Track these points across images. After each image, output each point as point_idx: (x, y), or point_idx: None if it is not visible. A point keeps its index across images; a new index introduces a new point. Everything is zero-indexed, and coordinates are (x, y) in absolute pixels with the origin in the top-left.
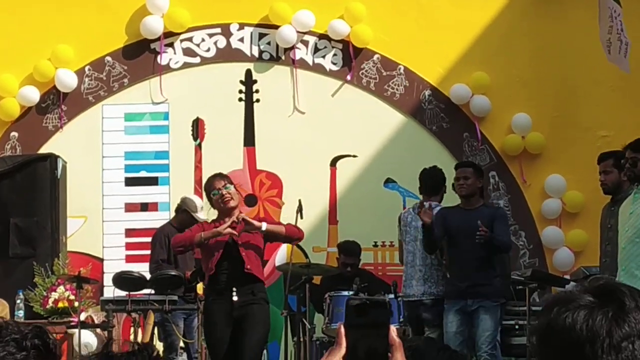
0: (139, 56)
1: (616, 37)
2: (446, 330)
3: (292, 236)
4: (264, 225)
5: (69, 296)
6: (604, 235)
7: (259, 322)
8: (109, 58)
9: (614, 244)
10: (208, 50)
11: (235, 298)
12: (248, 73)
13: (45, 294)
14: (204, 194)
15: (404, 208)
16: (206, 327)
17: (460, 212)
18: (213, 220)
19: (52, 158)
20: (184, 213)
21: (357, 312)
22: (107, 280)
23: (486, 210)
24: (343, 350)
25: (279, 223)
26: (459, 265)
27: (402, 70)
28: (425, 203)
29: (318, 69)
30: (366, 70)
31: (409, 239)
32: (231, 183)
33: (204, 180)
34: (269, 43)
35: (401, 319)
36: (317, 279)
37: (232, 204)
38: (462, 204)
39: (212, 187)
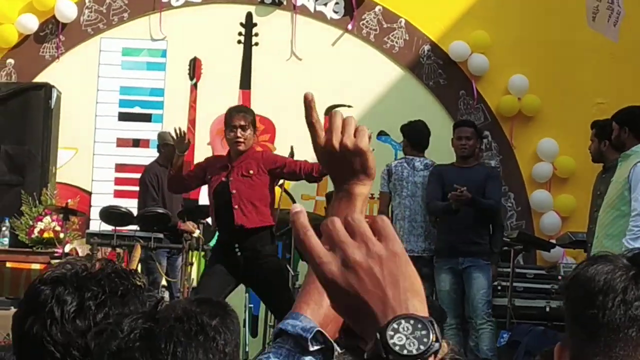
0: None
1: (605, 6)
2: (439, 288)
3: (312, 172)
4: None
5: (55, 227)
6: (593, 202)
7: (277, 285)
8: None
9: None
10: None
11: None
12: (248, 15)
13: (31, 223)
14: (197, 132)
15: (395, 160)
16: (207, 263)
17: (456, 171)
18: (228, 152)
19: (47, 87)
20: (166, 146)
21: None
22: (94, 213)
23: (481, 170)
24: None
25: (295, 161)
26: (451, 222)
27: (402, 24)
28: (462, 189)
29: (319, 16)
30: (367, 21)
31: (406, 194)
32: (253, 124)
33: (197, 120)
34: None
35: None
36: None
37: (241, 147)
38: (457, 162)
39: (230, 122)
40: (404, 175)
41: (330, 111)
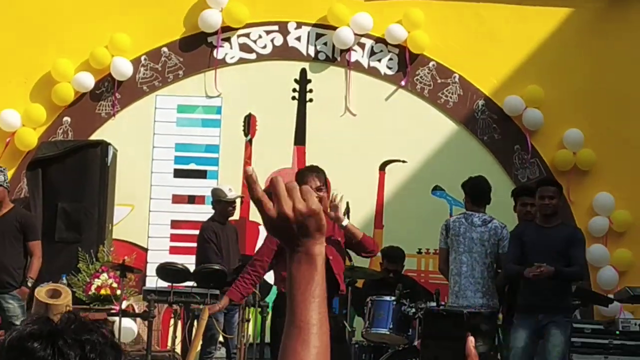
0: (196, 49)
1: None
2: (513, 345)
3: (367, 247)
4: (345, 220)
5: (111, 284)
6: None
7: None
8: (165, 49)
9: None
10: (264, 47)
11: None
12: (303, 72)
13: (88, 280)
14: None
15: (450, 216)
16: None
17: (537, 230)
18: None
19: (103, 145)
20: (219, 203)
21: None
22: (151, 270)
23: (565, 230)
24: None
25: (356, 229)
26: (532, 281)
27: (456, 79)
28: (541, 267)
29: (373, 72)
30: (421, 77)
31: (463, 249)
32: (325, 184)
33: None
34: (325, 44)
35: (390, 326)
36: (359, 282)
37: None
38: (539, 221)
39: (304, 183)
40: (461, 230)
41: (385, 166)
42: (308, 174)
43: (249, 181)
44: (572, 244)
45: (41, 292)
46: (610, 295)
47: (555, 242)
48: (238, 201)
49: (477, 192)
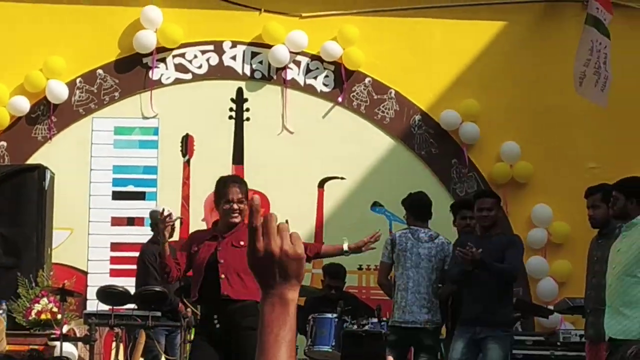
0: (131, 70)
1: (592, 71)
2: (451, 356)
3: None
4: (346, 245)
5: (52, 308)
6: (590, 268)
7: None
8: (100, 71)
9: (599, 277)
10: (200, 67)
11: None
12: (239, 91)
13: (28, 305)
14: (191, 208)
15: (390, 232)
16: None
17: (478, 242)
18: (214, 223)
19: (40, 169)
20: (157, 225)
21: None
22: (91, 293)
23: (503, 238)
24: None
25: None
26: (473, 293)
27: (393, 95)
28: (470, 248)
29: (309, 89)
30: (357, 93)
31: (410, 264)
32: (246, 197)
33: (191, 197)
34: (261, 62)
35: (333, 343)
36: (300, 300)
37: (237, 220)
38: (479, 233)
39: (225, 195)
40: (408, 246)
41: (323, 183)
42: (230, 184)
43: (252, 210)
44: (507, 247)
45: None
46: (550, 307)
47: (495, 252)
48: (177, 222)
49: (419, 207)
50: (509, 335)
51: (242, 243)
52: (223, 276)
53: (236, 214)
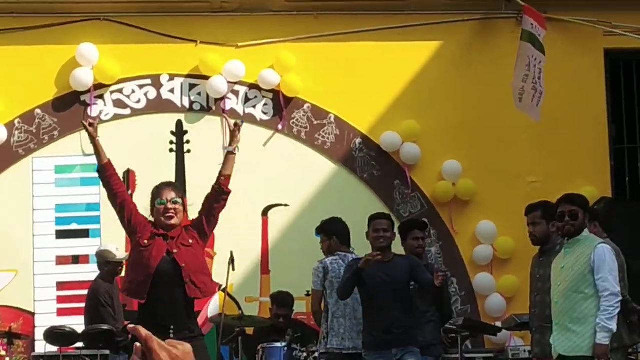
0: (69, 108)
1: (530, 86)
2: None
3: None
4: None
5: None
6: (533, 286)
7: None
8: (38, 111)
9: (543, 294)
10: (138, 101)
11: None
12: (179, 124)
13: None
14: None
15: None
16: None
17: (377, 264)
18: (150, 222)
19: None
20: (108, 264)
21: None
22: (39, 334)
23: (402, 261)
24: None
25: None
26: (379, 315)
27: (332, 119)
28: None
29: (249, 118)
30: (297, 120)
31: None
32: (182, 197)
33: None
34: (199, 94)
35: None
36: (249, 330)
37: (173, 221)
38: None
39: (159, 195)
40: (341, 272)
41: (267, 211)
42: (164, 186)
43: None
44: (416, 268)
45: None
46: (498, 324)
47: (398, 276)
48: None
49: (342, 232)
50: (418, 351)
51: (190, 242)
52: (187, 281)
53: (171, 214)
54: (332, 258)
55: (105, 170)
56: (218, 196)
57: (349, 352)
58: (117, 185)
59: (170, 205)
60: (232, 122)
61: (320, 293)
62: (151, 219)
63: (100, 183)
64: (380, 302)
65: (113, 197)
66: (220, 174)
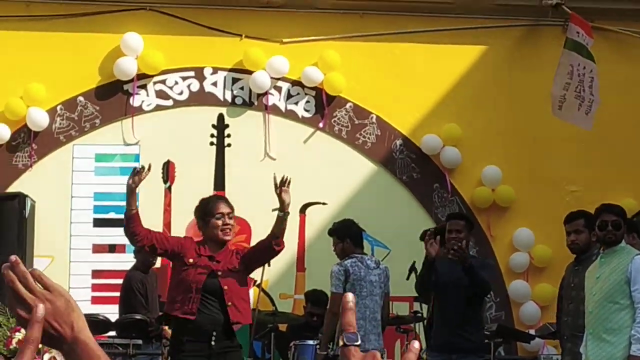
0: (112, 97)
1: (573, 95)
2: None
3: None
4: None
5: None
6: (566, 294)
7: None
8: (81, 98)
9: (577, 303)
10: (181, 93)
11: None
12: (220, 117)
13: (9, 334)
14: (172, 232)
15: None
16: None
17: (448, 263)
18: (198, 242)
19: (20, 197)
20: (139, 252)
21: None
22: None
23: (474, 262)
24: None
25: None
26: (444, 317)
27: (374, 119)
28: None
29: (290, 115)
30: (338, 118)
31: (366, 293)
32: (233, 211)
33: (172, 223)
34: (242, 88)
35: None
36: (283, 327)
37: (228, 237)
38: (450, 255)
39: (215, 210)
40: (362, 274)
41: (305, 209)
42: (218, 200)
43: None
44: (481, 268)
45: None
46: (532, 331)
47: (463, 277)
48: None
49: (356, 234)
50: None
51: (237, 267)
52: (230, 304)
53: (228, 229)
54: (351, 260)
55: (132, 220)
56: (270, 254)
57: None
58: (141, 234)
59: (227, 220)
60: (278, 179)
61: (341, 296)
62: (194, 237)
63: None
64: (445, 303)
65: (138, 243)
66: (273, 234)
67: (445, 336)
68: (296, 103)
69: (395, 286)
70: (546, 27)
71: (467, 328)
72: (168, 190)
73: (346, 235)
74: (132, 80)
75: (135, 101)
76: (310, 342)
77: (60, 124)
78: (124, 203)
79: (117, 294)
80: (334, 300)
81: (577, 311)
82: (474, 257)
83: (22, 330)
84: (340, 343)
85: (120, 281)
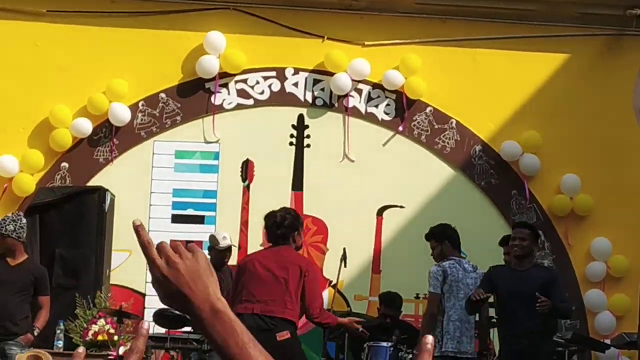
0: (193, 95)
1: None
2: None
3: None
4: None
5: (109, 329)
6: None
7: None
8: (163, 95)
9: None
10: (262, 92)
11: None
12: (300, 118)
13: (85, 325)
14: (249, 233)
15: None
16: None
17: (511, 273)
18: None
19: (100, 191)
20: (212, 250)
21: None
22: (148, 315)
23: (538, 273)
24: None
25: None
26: (512, 327)
27: (454, 124)
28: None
29: (370, 117)
30: (418, 122)
31: (463, 295)
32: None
33: (250, 222)
34: (323, 89)
35: None
36: None
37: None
38: (512, 264)
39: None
40: (459, 276)
41: (382, 211)
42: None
43: (135, 230)
44: (552, 284)
45: (22, 359)
46: (607, 341)
47: (530, 285)
48: (235, 249)
49: (453, 237)
50: None
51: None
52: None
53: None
54: (449, 262)
55: None
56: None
57: (462, 357)
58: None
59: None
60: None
61: (438, 296)
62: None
63: (219, 171)
64: (509, 311)
65: None
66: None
67: (514, 346)
68: (376, 106)
69: None
70: (629, 36)
71: (536, 337)
72: (246, 188)
73: (444, 237)
74: (214, 79)
75: (217, 99)
76: (384, 343)
77: (141, 119)
78: (202, 200)
79: None
80: (432, 301)
81: None
82: (545, 267)
83: (99, 323)
84: None
85: None
